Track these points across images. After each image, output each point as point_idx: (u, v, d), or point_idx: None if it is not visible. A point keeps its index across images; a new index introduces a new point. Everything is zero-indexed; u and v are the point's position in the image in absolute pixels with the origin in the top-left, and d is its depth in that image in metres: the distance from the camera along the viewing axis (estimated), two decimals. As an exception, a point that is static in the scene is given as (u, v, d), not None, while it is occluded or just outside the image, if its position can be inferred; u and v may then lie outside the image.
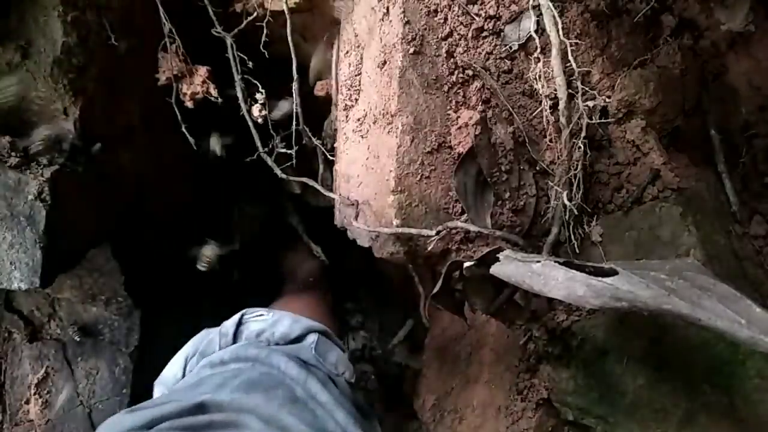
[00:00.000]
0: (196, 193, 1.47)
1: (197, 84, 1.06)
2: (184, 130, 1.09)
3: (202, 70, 1.07)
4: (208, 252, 1.22)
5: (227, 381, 0.70)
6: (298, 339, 0.82)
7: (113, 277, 1.22)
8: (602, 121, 0.90)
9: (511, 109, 0.91)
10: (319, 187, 1.06)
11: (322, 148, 1.14)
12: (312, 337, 0.82)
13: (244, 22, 1.06)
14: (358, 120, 0.98)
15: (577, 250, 0.92)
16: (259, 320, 0.84)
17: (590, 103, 0.86)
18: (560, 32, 0.83)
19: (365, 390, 1.49)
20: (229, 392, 0.67)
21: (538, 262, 0.71)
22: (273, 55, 1.04)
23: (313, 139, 1.13)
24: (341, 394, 0.74)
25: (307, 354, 0.78)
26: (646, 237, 0.89)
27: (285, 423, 0.61)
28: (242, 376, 0.71)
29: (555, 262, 0.70)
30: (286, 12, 1.02)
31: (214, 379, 0.72)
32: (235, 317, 0.85)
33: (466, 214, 0.90)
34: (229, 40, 1.06)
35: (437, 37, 0.90)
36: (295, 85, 1.08)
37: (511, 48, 0.91)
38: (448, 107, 0.91)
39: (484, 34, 0.91)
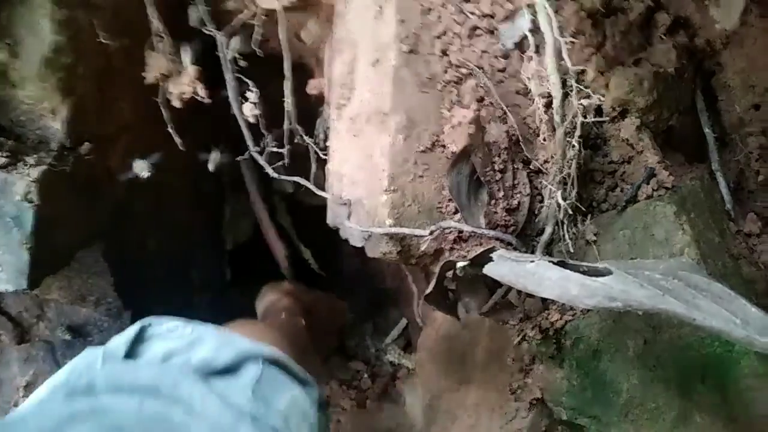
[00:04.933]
0: (188, 193, 1.46)
1: (185, 83, 1.05)
2: (170, 130, 1.08)
3: (191, 70, 1.06)
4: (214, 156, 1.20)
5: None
6: (230, 369, 0.53)
7: (103, 278, 1.20)
8: (597, 119, 0.90)
9: (505, 107, 0.91)
10: (311, 187, 1.05)
11: (315, 147, 1.13)
12: (252, 370, 0.53)
13: (237, 20, 1.05)
14: (351, 119, 0.97)
15: (571, 250, 0.92)
16: (171, 335, 0.55)
17: (585, 102, 0.85)
18: (555, 30, 0.83)
19: (357, 389, 1.49)
20: None
21: (532, 261, 0.71)
22: (265, 53, 1.03)
23: (306, 138, 1.12)
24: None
25: (242, 396, 0.50)
26: (640, 236, 0.89)
27: None
28: (107, 420, 0.44)
29: (549, 261, 0.70)
30: (279, 10, 1.01)
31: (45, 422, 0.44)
32: (131, 330, 0.56)
33: (459, 214, 0.90)
34: (219, 38, 1.05)
35: (431, 36, 0.89)
36: (287, 84, 1.07)
37: (505, 46, 0.91)
38: (442, 106, 0.90)
39: (479, 32, 0.90)
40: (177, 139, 1.09)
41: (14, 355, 1.26)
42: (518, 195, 0.94)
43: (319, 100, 1.16)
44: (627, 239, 0.90)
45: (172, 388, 0.47)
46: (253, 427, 0.47)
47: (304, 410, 0.55)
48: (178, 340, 0.54)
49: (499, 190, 0.92)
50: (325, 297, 1.32)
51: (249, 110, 1.06)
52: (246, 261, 1.59)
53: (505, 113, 0.92)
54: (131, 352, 0.53)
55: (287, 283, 1.30)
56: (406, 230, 0.87)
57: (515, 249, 0.89)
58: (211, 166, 1.18)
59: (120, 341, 0.54)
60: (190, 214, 1.47)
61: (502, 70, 0.92)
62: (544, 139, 0.91)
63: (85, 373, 0.50)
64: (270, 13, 1.03)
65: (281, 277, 1.47)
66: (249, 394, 0.50)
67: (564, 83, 0.87)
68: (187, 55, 1.05)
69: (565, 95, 0.87)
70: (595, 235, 0.92)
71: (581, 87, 0.88)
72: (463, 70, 0.90)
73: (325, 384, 1.43)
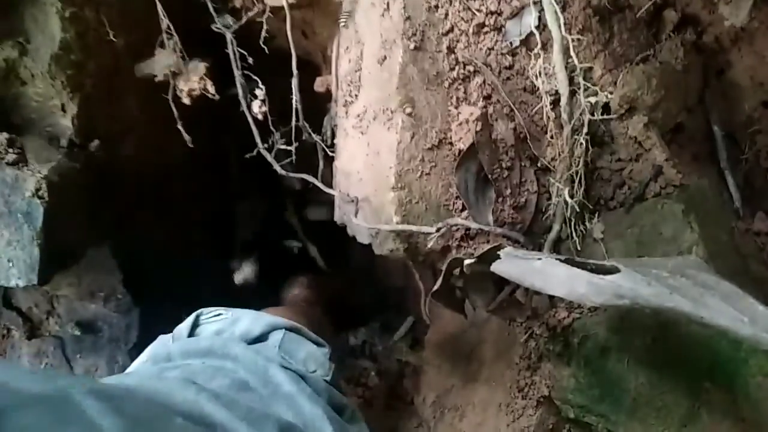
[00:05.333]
0: (197, 189, 1.46)
1: (194, 80, 1.06)
2: (179, 127, 1.08)
3: (200, 67, 1.06)
4: (248, 269, 1.24)
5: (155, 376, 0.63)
6: (262, 337, 0.74)
7: (112, 274, 1.22)
8: (604, 117, 0.90)
9: (512, 105, 0.91)
10: (318, 184, 1.05)
11: (322, 144, 1.13)
12: (277, 335, 0.74)
13: (245, 18, 1.05)
14: (358, 116, 0.97)
15: (579, 248, 0.92)
16: (217, 320, 0.76)
17: (592, 99, 0.85)
18: (562, 28, 0.82)
19: (365, 386, 1.49)
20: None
21: (539, 259, 0.71)
22: (272, 50, 1.03)
23: (314, 135, 1.13)
24: (313, 392, 0.66)
25: (272, 352, 0.70)
26: (648, 234, 0.88)
27: (205, 412, 0.51)
28: (184, 372, 0.63)
29: (556, 259, 0.70)
30: (285, 7, 1.02)
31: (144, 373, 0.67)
32: (190, 318, 0.77)
33: (466, 211, 0.90)
34: (228, 36, 1.05)
35: (438, 33, 0.89)
36: (294, 81, 1.08)
37: (512, 44, 0.91)
38: (449, 103, 0.90)
39: (485, 29, 0.90)
40: (186, 137, 1.09)
41: (25, 350, 1.27)
42: (525, 192, 0.94)
43: (327, 97, 1.16)
44: (635, 237, 0.89)
45: (223, 349, 0.67)
46: (279, 369, 0.65)
47: (319, 359, 0.73)
48: (223, 322, 0.76)
49: (506, 187, 0.92)
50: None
51: (257, 108, 1.07)
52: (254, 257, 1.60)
53: (512, 111, 0.91)
54: (191, 333, 0.74)
55: (306, 278, 1.50)
56: (413, 227, 0.87)
57: (522, 246, 0.89)
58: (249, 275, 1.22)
59: (183, 326, 0.76)
60: (198, 212, 1.48)
61: (509, 68, 0.92)
62: (552, 137, 0.91)
63: (161, 350, 0.71)
64: (276, 11, 1.03)
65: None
66: (276, 349, 0.71)
67: (571, 80, 0.86)
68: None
69: (573, 93, 0.87)
70: (602, 233, 0.92)
71: (588, 84, 0.87)
72: (470, 68, 0.90)
73: (340, 352, 1.50)
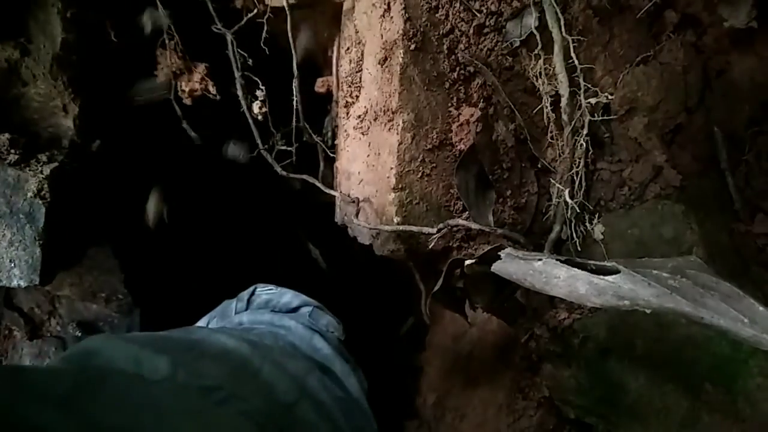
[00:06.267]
0: (200, 191, 1.46)
1: (196, 81, 1.06)
2: (185, 126, 1.09)
3: (201, 67, 1.07)
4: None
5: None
6: (297, 309, 0.99)
7: (113, 275, 1.22)
8: (604, 118, 0.90)
9: (512, 106, 0.91)
10: (319, 185, 1.05)
11: (323, 145, 1.14)
12: (307, 308, 0.99)
13: (245, 19, 1.05)
14: (359, 117, 0.97)
15: (579, 248, 0.92)
16: (269, 293, 1.02)
17: (592, 100, 0.85)
18: (562, 29, 0.83)
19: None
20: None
21: (540, 260, 0.71)
22: (273, 51, 1.03)
23: (314, 136, 1.13)
24: (335, 348, 0.88)
25: (303, 319, 0.95)
26: (648, 235, 0.89)
27: (287, 366, 0.72)
28: (256, 331, 0.89)
29: (557, 260, 0.70)
30: (286, 8, 1.02)
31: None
32: (250, 289, 1.03)
33: (467, 212, 0.90)
34: (229, 37, 1.05)
35: (438, 34, 0.89)
36: (295, 82, 1.08)
37: (512, 44, 0.91)
38: (450, 104, 0.90)
39: (486, 30, 0.90)
40: (192, 134, 1.10)
41: (26, 351, 1.27)
42: (526, 193, 0.94)
43: (328, 98, 1.16)
44: (635, 238, 0.90)
45: (280, 321, 0.91)
46: (319, 337, 0.87)
47: (335, 325, 0.96)
48: (272, 294, 1.00)
49: (506, 188, 0.92)
50: None
51: (257, 108, 1.07)
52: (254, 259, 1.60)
53: (512, 111, 0.92)
54: (249, 300, 0.99)
55: None
56: (414, 228, 0.87)
57: (523, 247, 0.89)
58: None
59: (244, 294, 1.00)
60: (200, 212, 1.48)
61: (510, 69, 0.92)
62: (552, 138, 0.91)
63: (227, 313, 0.98)
64: (278, 12, 1.04)
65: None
66: (307, 318, 0.94)
67: (571, 81, 0.87)
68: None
69: (573, 94, 0.87)
70: (602, 233, 0.92)
71: (589, 85, 0.88)
72: (471, 69, 0.90)
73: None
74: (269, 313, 0.97)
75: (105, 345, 0.58)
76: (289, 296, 1.02)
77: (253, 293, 1.02)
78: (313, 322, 0.96)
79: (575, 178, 0.89)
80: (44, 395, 0.41)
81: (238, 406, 0.57)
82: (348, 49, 1.02)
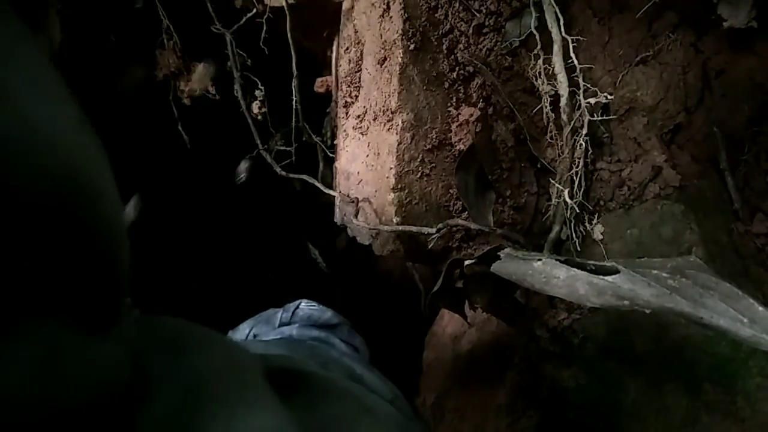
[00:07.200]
0: (198, 193, 1.46)
1: (194, 81, 1.06)
2: (180, 128, 1.08)
3: (200, 67, 1.07)
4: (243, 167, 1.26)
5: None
6: (336, 326, 1.06)
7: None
8: (604, 118, 0.90)
9: (512, 106, 0.91)
10: (319, 185, 1.06)
11: (322, 145, 1.14)
12: (345, 327, 1.07)
13: (244, 19, 1.05)
14: (358, 117, 0.97)
15: (579, 248, 0.92)
16: (312, 308, 1.07)
17: (592, 100, 0.85)
18: (562, 28, 0.83)
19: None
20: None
21: (539, 260, 0.71)
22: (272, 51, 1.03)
23: (313, 136, 1.13)
24: (366, 367, 0.93)
25: (344, 336, 1.04)
26: (647, 235, 0.88)
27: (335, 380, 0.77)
28: (307, 348, 0.96)
29: (556, 260, 0.70)
30: (285, 8, 1.02)
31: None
32: (296, 302, 1.09)
33: (466, 212, 0.90)
34: (228, 37, 1.05)
35: (438, 34, 0.89)
36: (294, 82, 1.08)
37: (512, 44, 0.91)
38: (449, 104, 0.90)
39: (485, 30, 0.90)
40: (185, 137, 1.10)
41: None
42: (525, 194, 0.94)
43: (327, 98, 1.16)
44: (634, 238, 0.90)
45: (327, 338, 0.99)
46: (357, 355, 0.98)
47: (363, 344, 1.04)
48: (314, 310, 1.05)
49: (506, 188, 0.92)
50: None
51: (257, 108, 1.07)
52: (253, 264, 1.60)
53: (512, 111, 0.92)
54: (293, 313, 1.04)
55: None
56: (413, 228, 0.87)
57: (523, 247, 0.89)
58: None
59: (290, 307, 1.05)
60: (198, 214, 1.48)
61: (509, 68, 0.92)
62: (552, 138, 0.91)
63: (272, 321, 1.04)
64: (277, 12, 1.04)
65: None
66: (346, 333, 1.03)
67: (571, 81, 0.87)
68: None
69: (572, 93, 0.87)
70: (602, 234, 0.92)
71: (588, 85, 0.87)
72: (470, 69, 0.90)
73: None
74: (316, 329, 1.04)
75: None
76: (329, 314, 1.08)
77: (298, 306, 1.09)
78: (351, 342, 1.05)
79: (575, 178, 0.88)
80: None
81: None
82: (347, 49, 1.02)
